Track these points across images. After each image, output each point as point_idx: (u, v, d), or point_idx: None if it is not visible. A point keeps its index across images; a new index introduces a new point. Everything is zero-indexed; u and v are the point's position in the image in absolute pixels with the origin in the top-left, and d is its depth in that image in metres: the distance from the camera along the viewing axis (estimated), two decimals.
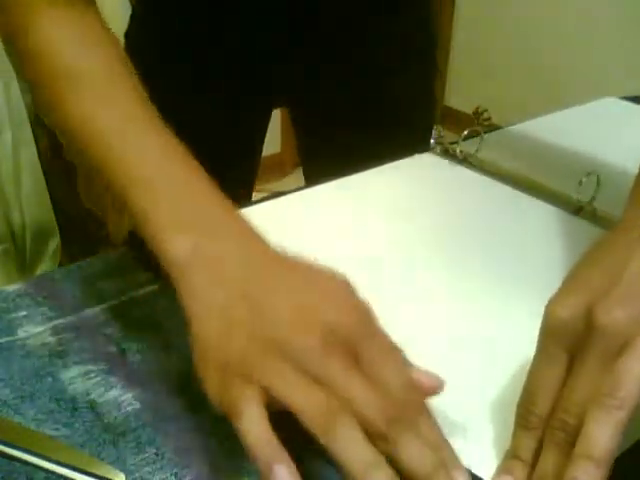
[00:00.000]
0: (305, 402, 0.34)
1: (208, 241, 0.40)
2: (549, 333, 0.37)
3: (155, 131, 0.46)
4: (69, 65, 0.48)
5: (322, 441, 0.33)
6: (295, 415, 0.34)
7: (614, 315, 0.35)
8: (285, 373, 0.35)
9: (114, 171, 0.44)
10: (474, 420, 0.40)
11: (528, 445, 0.37)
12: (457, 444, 0.38)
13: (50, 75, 0.48)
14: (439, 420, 0.40)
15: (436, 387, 0.38)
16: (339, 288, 0.39)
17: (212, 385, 0.36)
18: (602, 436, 0.33)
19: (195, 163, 0.45)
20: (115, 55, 0.51)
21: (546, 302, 0.39)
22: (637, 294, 0.36)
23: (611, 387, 0.34)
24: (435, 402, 0.41)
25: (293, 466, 0.33)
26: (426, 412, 0.37)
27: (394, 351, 0.38)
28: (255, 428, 0.34)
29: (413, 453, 0.34)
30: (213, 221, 0.42)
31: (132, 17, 0.83)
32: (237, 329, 0.36)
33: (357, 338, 0.36)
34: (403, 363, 0.38)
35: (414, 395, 0.37)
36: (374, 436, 0.34)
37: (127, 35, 0.83)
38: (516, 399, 0.42)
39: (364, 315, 0.38)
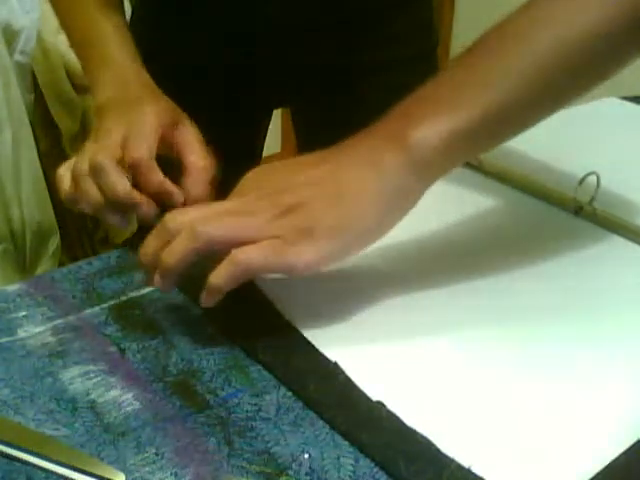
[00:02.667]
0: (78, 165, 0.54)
1: (112, 94, 0.60)
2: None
3: (117, 32, 0.64)
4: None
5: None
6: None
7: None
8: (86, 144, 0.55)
9: (84, 54, 0.65)
10: (474, 420, 0.40)
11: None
12: (457, 444, 0.38)
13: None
14: (439, 420, 0.40)
15: (176, 198, 0.53)
16: (150, 102, 0.58)
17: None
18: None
19: (130, 49, 0.64)
20: None
21: (544, 301, 0.39)
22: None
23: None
24: (435, 402, 0.41)
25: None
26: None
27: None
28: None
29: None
30: (123, 84, 0.61)
31: (131, 17, 0.83)
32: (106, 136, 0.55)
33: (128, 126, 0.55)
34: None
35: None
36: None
37: None
38: (517, 399, 0.42)
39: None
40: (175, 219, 0.45)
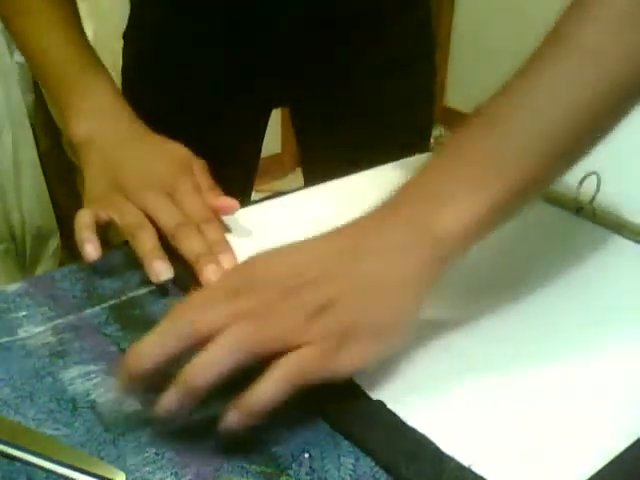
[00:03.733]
0: (122, 217, 0.54)
1: (94, 124, 0.60)
2: None
3: (77, 49, 0.62)
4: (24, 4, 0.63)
5: (128, 238, 0.53)
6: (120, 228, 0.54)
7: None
8: (120, 203, 0.55)
9: (47, 77, 0.62)
10: (474, 419, 0.40)
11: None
12: (457, 443, 0.38)
13: (15, 10, 0.63)
14: (439, 419, 0.40)
15: (229, 206, 0.56)
16: (174, 153, 0.59)
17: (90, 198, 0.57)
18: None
19: (101, 70, 0.63)
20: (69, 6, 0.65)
21: (544, 301, 0.39)
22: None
23: None
24: (435, 401, 0.41)
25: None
26: (214, 222, 0.55)
27: (199, 190, 0.56)
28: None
29: (189, 244, 0.52)
30: (98, 109, 0.61)
31: (130, 17, 0.82)
32: (105, 181, 0.57)
33: (172, 182, 0.56)
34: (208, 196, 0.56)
35: (205, 210, 0.55)
36: (167, 236, 0.53)
37: (125, 35, 0.83)
38: (516, 399, 0.42)
39: (184, 169, 0.57)
40: (197, 318, 0.38)
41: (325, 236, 0.43)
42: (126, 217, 0.54)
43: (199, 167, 0.59)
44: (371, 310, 0.40)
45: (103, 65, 0.64)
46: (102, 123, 0.60)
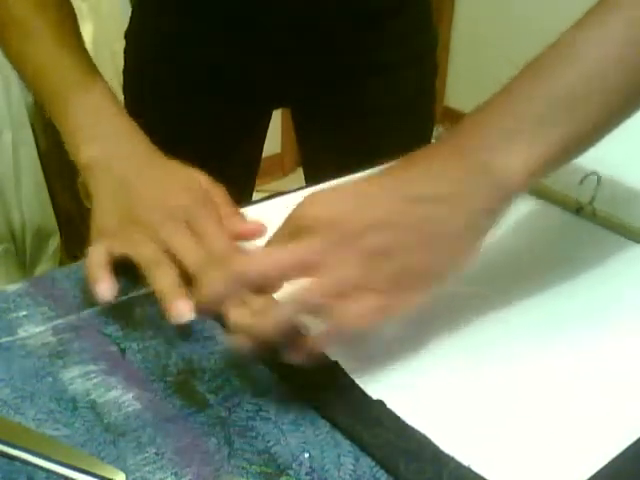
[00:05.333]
0: (138, 254, 0.49)
1: (107, 148, 0.54)
2: None
3: (78, 68, 0.57)
4: (21, 18, 0.58)
5: (146, 275, 0.48)
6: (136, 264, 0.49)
7: None
8: (135, 237, 0.50)
9: (46, 98, 0.57)
10: (474, 419, 0.40)
11: None
12: (457, 443, 0.38)
13: (4, 23, 0.59)
14: (439, 418, 0.40)
15: (256, 231, 0.52)
16: (192, 180, 0.54)
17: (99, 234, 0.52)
18: None
19: (105, 92, 0.58)
20: (56, 7, 0.60)
21: (544, 301, 0.39)
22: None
23: None
24: (435, 401, 0.41)
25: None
26: (238, 253, 0.50)
27: (220, 220, 0.52)
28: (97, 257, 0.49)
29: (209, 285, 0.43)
30: (111, 133, 0.55)
31: (132, 17, 0.83)
32: (118, 212, 0.52)
33: (191, 212, 0.51)
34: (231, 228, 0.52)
35: (228, 244, 0.50)
36: (190, 275, 0.47)
37: (127, 35, 0.83)
38: (516, 398, 0.42)
39: (203, 197, 0.53)
40: (259, 264, 0.41)
41: (380, 177, 0.43)
42: (142, 253, 0.49)
43: (219, 194, 0.55)
44: (433, 256, 0.40)
45: (105, 81, 0.59)
46: (116, 147, 0.55)
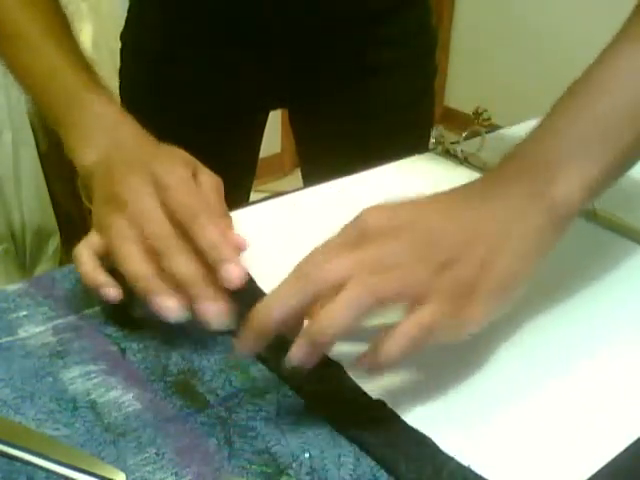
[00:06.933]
0: (107, 233, 0.47)
1: (108, 153, 0.52)
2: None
3: (75, 72, 0.56)
4: (11, 25, 0.58)
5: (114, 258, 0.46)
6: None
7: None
8: (115, 222, 0.47)
9: (46, 106, 0.57)
10: (474, 419, 0.40)
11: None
12: (457, 443, 0.38)
13: (3, 38, 0.58)
14: (439, 419, 0.40)
15: (239, 244, 0.47)
16: (178, 163, 0.50)
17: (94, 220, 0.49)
18: None
19: (102, 91, 0.56)
20: (49, 14, 0.59)
21: (544, 301, 0.39)
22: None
23: None
24: (435, 401, 0.41)
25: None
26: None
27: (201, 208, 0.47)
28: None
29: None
30: (112, 137, 0.53)
31: (128, 18, 0.82)
32: (104, 198, 0.49)
33: (157, 182, 0.47)
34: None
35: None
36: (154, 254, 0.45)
37: (122, 36, 0.83)
38: (516, 398, 0.42)
39: (184, 180, 0.48)
40: (324, 269, 0.38)
41: (442, 198, 0.43)
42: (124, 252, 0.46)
43: (211, 184, 0.51)
44: (492, 273, 0.40)
45: (104, 84, 0.58)
46: (117, 151, 0.53)
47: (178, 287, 0.44)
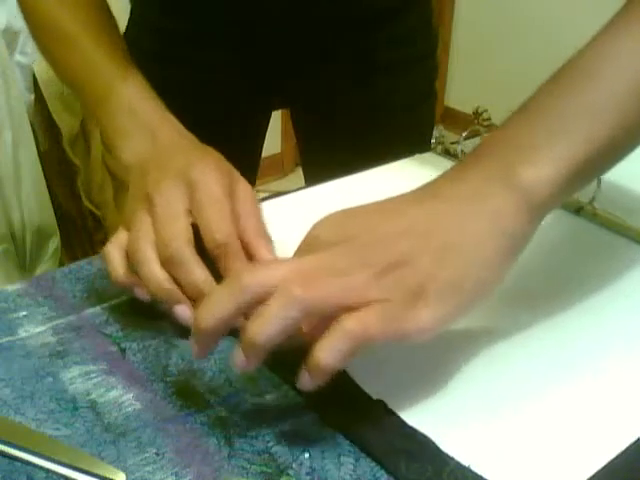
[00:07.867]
0: (131, 229, 0.48)
1: (145, 148, 0.53)
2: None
3: (120, 70, 0.58)
4: (56, 22, 0.60)
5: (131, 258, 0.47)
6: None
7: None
8: (140, 217, 0.48)
9: (87, 103, 0.59)
10: (474, 419, 0.40)
11: None
12: (457, 443, 0.38)
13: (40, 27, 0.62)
14: (439, 418, 0.40)
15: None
16: (207, 161, 0.51)
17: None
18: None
19: (140, 86, 0.58)
20: (89, 8, 0.61)
21: (544, 301, 0.39)
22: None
23: None
24: (435, 401, 0.41)
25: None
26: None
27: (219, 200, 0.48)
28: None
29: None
30: (149, 131, 0.55)
31: (131, 18, 0.82)
32: (137, 197, 0.50)
33: (191, 191, 0.48)
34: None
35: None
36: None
37: (125, 36, 0.83)
38: (516, 398, 0.42)
39: (218, 199, 0.48)
40: (256, 277, 0.37)
41: (398, 198, 0.41)
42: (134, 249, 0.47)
43: (248, 196, 0.51)
44: (446, 271, 0.37)
45: (143, 78, 0.59)
46: (153, 146, 0.54)
47: (190, 296, 0.46)
